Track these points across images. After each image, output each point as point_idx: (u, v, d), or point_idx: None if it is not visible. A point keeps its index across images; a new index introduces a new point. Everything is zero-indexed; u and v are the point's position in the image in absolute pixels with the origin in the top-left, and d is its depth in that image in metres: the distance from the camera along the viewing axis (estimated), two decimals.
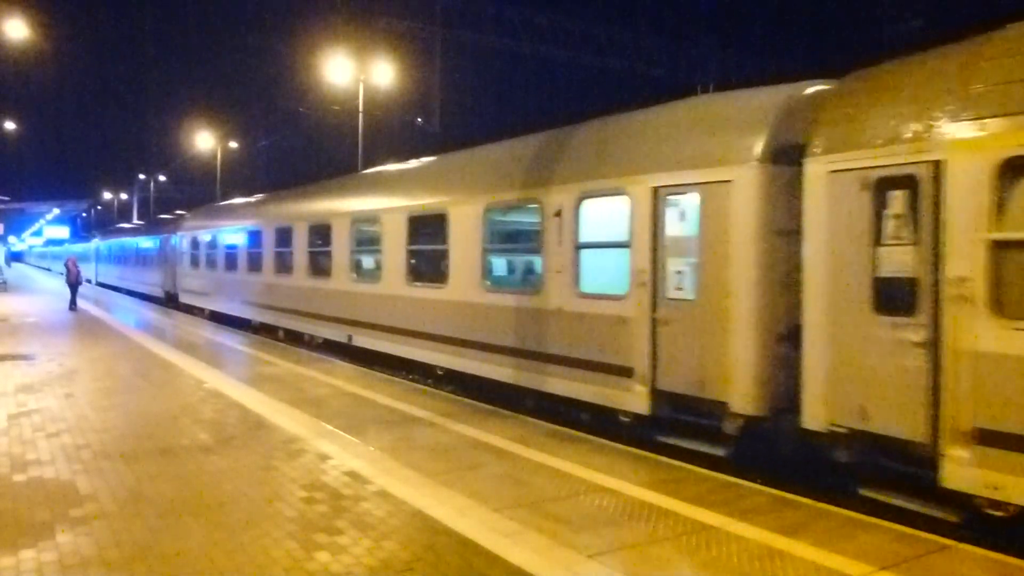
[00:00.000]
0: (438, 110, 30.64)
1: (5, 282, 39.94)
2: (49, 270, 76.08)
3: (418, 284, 12.33)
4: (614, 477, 6.55)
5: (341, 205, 15.38)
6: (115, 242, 45.49)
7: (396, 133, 32.94)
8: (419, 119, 31.12)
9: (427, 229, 12.26)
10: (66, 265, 27.38)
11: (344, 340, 14.59)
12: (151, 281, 32.79)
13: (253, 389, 10.74)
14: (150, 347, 15.44)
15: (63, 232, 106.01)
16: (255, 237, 19.78)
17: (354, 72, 28.23)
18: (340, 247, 14.87)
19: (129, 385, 10.92)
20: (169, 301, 28.87)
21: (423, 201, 12.45)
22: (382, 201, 13.82)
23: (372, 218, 13.91)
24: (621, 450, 7.60)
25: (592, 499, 5.99)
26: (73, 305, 25.23)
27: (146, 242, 34.92)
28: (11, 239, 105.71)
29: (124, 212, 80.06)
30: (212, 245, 23.66)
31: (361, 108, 28.43)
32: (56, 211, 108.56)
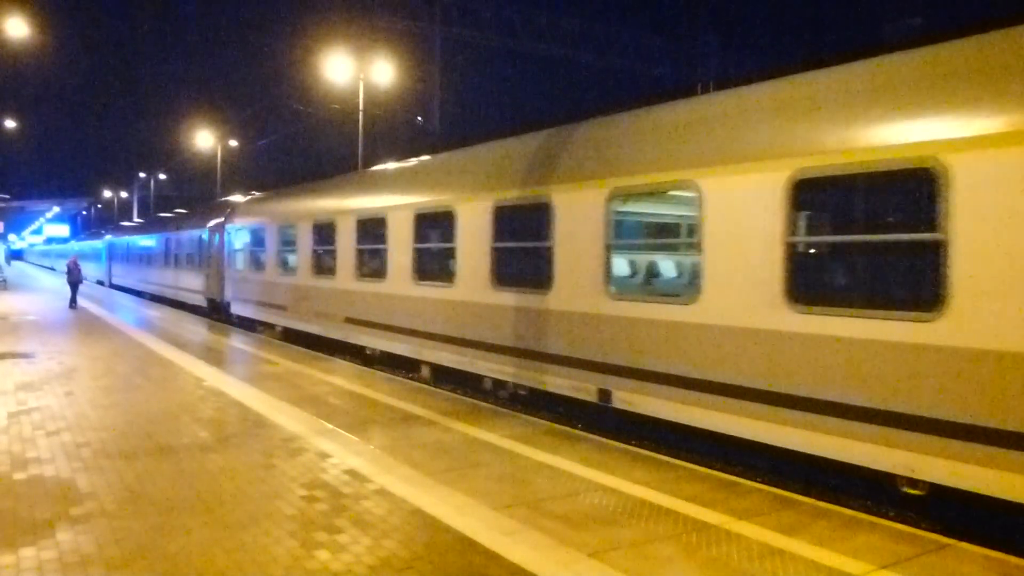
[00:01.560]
0: (437, 109, 30.62)
1: (5, 280, 39.94)
2: (53, 269, 73.22)
3: (821, 310, 6.36)
4: (614, 476, 6.55)
5: (581, 169, 9.09)
6: (135, 239, 38.50)
7: (396, 132, 32.96)
8: (419, 117, 31.12)
9: (850, 207, 7.07)
10: (68, 265, 27.51)
11: (588, 397, 8.78)
12: (187, 285, 26.69)
13: (253, 387, 10.74)
14: (150, 345, 15.44)
15: (63, 230, 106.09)
16: (370, 229, 13.72)
17: (354, 71, 28.23)
18: (576, 242, 8.96)
19: (129, 383, 10.92)
20: (214, 311, 23.37)
21: (848, 158, 6.19)
22: (704, 158, 7.49)
23: (664, 188, 8.20)
24: (621, 449, 7.60)
25: (592, 498, 5.99)
26: (73, 303, 25.31)
27: (179, 237, 28.28)
28: (11, 237, 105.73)
29: (124, 210, 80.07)
30: (288, 241, 17.55)
31: (361, 107, 28.42)
32: (56, 209, 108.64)
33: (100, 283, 45.93)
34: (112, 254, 44.99)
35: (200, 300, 24.94)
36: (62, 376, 11.43)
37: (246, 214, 21.27)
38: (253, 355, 14.46)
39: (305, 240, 16.49)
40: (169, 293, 29.53)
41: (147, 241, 34.87)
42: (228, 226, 22.18)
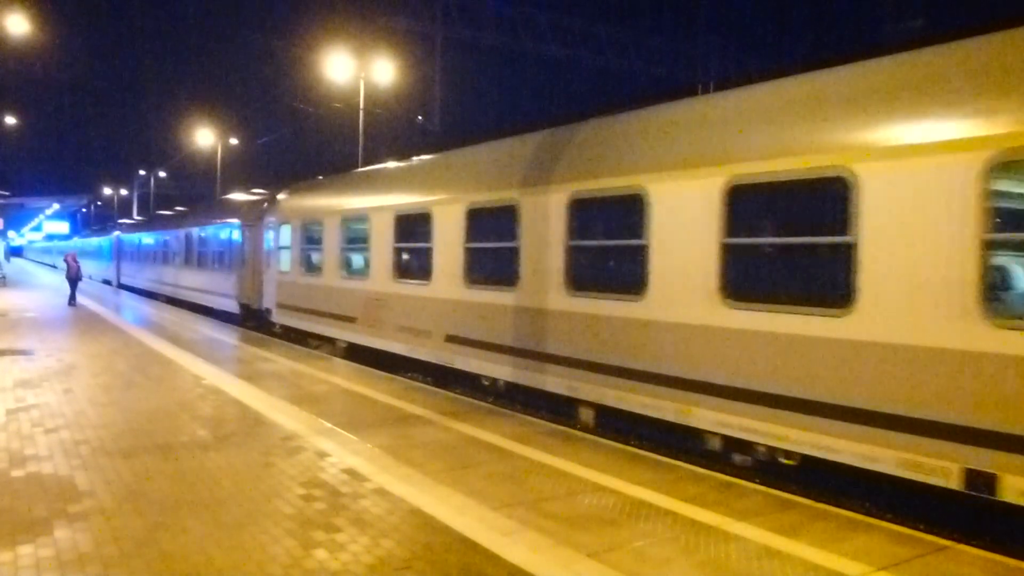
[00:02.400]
0: (438, 108, 30.65)
1: (4, 277, 39.92)
2: (54, 267, 70.23)
3: None
4: (613, 476, 6.55)
5: (909, 129, 5.90)
6: (149, 235, 34.80)
7: (396, 131, 32.98)
8: (419, 117, 31.13)
9: None
10: (66, 260, 27.58)
11: (939, 479, 5.59)
12: (214, 288, 23.46)
13: (252, 386, 10.73)
14: (149, 343, 15.43)
15: (63, 227, 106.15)
16: (491, 222, 10.46)
17: (354, 70, 28.26)
18: (911, 236, 5.81)
19: (128, 381, 10.91)
20: (249, 319, 20.27)
21: None
22: None
23: None
24: (620, 449, 7.59)
25: (591, 498, 5.99)
26: (72, 301, 25.33)
27: (205, 233, 24.98)
28: (11, 234, 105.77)
29: (124, 208, 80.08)
30: (357, 237, 14.22)
31: (362, 106, 28.43)
32: (56, 206, 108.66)
33: (107, 283, 43.92)
34: (121, 252, 41.74)
35: (230, 305, 21.66)
36: (61, 373, 11.42)
37: (294, 205, 17.57)
38: (252, 353, 14.45)
39: (383, 236, 12.98)
40: (190, 296, 26.27)
41: (164, 237, 31.14)
42: (269, 219, 18.72)
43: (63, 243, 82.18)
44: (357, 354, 13.97)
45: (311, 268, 16.20)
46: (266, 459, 6.95)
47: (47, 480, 6.19)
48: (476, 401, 10.10)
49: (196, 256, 26.02)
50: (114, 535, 5.01)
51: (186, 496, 5.85)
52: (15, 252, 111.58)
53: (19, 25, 23.34)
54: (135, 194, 77.41)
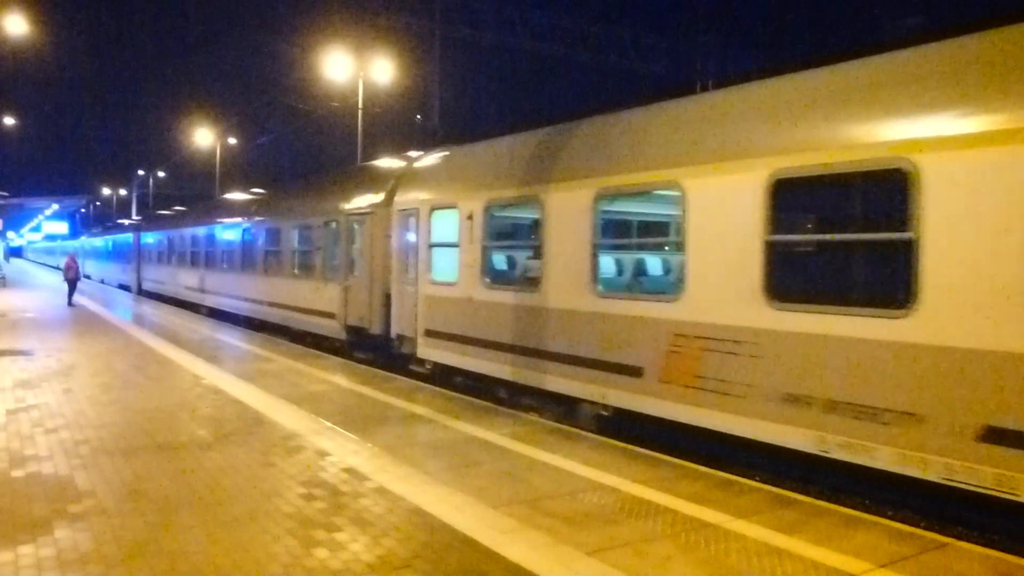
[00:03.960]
0: (437, 106, 30.60)
1: (4, 278, 39.92)
2: (58, 268, 69.04)
3: None
4: (612, 474, 6.55)
5: None
6: (183, 231, 27.68)
7: (395, 129, 32.98)
8: (418, 116, 31.11)
9: None
10: (66, 262, 27.77)
11: None
12: (299, 303, 16.92)
13: (251, 385, 10.73)
14: (148, 343, 15.43)
15: (62, 227, 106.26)
16: None
17: (353, 68, 28.25)
18: None
19: (127, 381, 10.91)
20: (362, 348, 14.34)
21: None
22: None
23: None
24: (619, 447, 7.59)
25: (590, 496, 5.99)
26: (71, 301, 25.41)
27: (281, 229, 18.45)
28: (10, 234, 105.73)
29: (123, 207, 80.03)
30: (638, 229, 10.75)
31: (360, 104, 28.42)
32: (55, 207, 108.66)
33: (124, 288, 38.09)
34: (143, 252, 35.16)
35: (329, 328, 15.35)
36: (60, 373, 11.42)
37: (462, 179, 11.68)
38: (251, 352, 14.44)
39: (729, 224, 7.07)
40: (255, 311, 19.99)
41: (209, 234, 24.53)
42: (405, 202, 12.76)
43: (69, 243, 76.24)
44: (628, 426, 8.42)
45: (509, 279, 10.77)
46: (266, 458, 6.95)
47: (47, 480, 6.19)
48: (476, 400, 10.09)
49: (264, 257, 19.55)
50: (115, 535, 5.01)
51: (186, 495, 5.85)
52: (14, 252, 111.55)
53: (18, 25, 23.33)
54: (134, 194, 77.39)
